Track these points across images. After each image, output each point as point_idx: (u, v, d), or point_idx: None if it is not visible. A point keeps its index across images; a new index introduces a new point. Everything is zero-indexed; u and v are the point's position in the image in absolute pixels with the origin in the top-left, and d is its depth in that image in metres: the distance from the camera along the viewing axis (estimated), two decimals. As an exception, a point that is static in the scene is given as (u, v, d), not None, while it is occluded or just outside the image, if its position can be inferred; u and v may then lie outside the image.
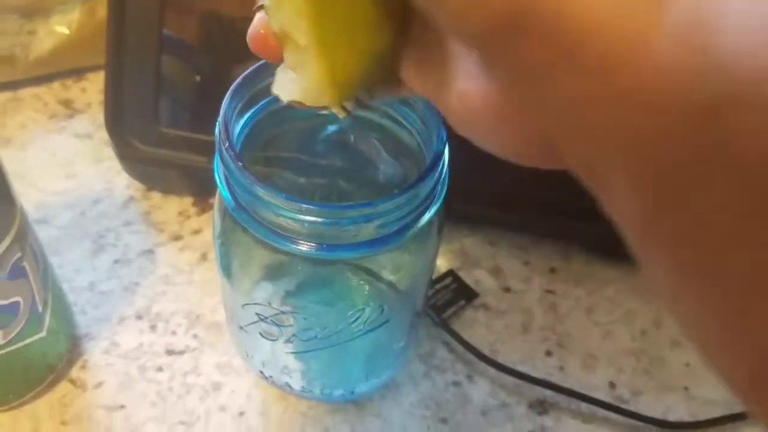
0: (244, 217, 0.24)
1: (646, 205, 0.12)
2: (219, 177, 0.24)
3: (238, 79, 0.24)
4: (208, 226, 0.36)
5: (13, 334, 0.27)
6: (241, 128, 0.26)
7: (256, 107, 0.26)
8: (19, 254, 0.26)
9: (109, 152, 0.38)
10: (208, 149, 0.35)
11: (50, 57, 0.39)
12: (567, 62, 0.12)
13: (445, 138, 0.24)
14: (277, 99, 0.27)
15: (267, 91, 0.26)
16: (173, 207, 0.37)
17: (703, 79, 0.10)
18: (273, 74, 0.26)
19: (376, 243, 0.24)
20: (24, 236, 0.26)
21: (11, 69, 0.39)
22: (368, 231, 0.23)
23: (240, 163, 0.23)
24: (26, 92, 0.40)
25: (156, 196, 0.37)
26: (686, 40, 0.11)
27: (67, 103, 0.40)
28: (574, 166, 0.14)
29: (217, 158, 0.24)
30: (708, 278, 0.12)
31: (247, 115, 0.26)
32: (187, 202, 0.37)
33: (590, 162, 0.13)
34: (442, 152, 0.24)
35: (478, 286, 0.36)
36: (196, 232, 0.36)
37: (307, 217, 0.22)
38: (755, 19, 0.10)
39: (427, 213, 0.24)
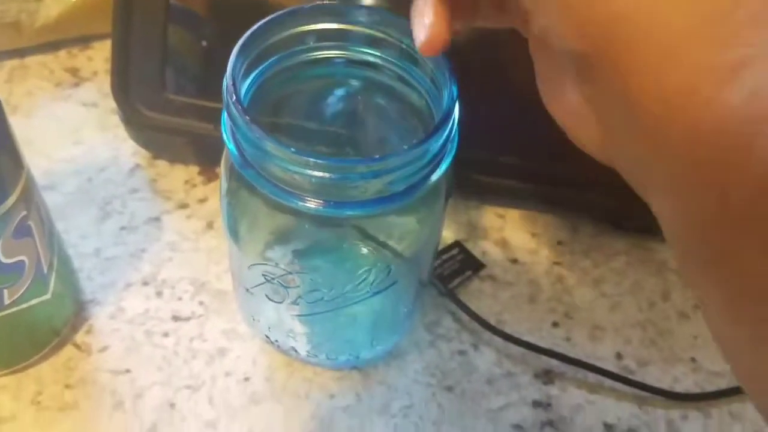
0: (251, 174, 0.24)
1: (687, 233, 0.14)
2: (226, 133, 0.24)
3: (246, 35, 0.24)
4: (214, 195, 0.36)
5: (17, 295, 0.27)
6: (247, 89, 0.25)
7: (262, 66, 0.26)
8: (24, 212, 0.25)
9: (115, 120, 0.38)
10: (214, 116, 0.35)
11: (57, 24, 0.39)
12: (635, 97, 0.14)
13: (455, 95, 0.23)
14: (282, 59, 0.27)
15: (273, 49, 0.26)
16: (179, 175, 0.37)
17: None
18: (278, 32, 0.26)
19: (385, 201, 0.24)
20: (30, 195, 0.26)
21: (17, 36, 0.39)
22: (376, 187, 0.23)
23: (247, 117, 0.22)
24: (32, 60, 0.40)
25: (162, 164, 0.37)
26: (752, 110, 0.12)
27: (73, 71, 0.40)
28: (625, 177, 0.16)
29: (223, 115, 0.24)
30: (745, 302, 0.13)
31: (252, 75, 0.26)
32: (193, 170, 0.37)
33: (642, 181, 0.15)
34: (452, 109, 0.23)
35: (484, 257, 0.35)
36: (202, 200, 0.36)
37: (315, 172, 0.22)
38: None
39: (436, 171, 0.24)
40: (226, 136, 0.24)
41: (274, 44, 0.25)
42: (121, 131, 0.37)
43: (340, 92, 0.29)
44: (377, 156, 0.23)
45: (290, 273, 0.26)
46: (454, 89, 0.23)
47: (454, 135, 0.24)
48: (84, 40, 0.41)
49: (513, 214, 0.37)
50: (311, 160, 0.22)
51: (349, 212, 0.24)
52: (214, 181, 0.37)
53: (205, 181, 0.37)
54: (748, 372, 0.14)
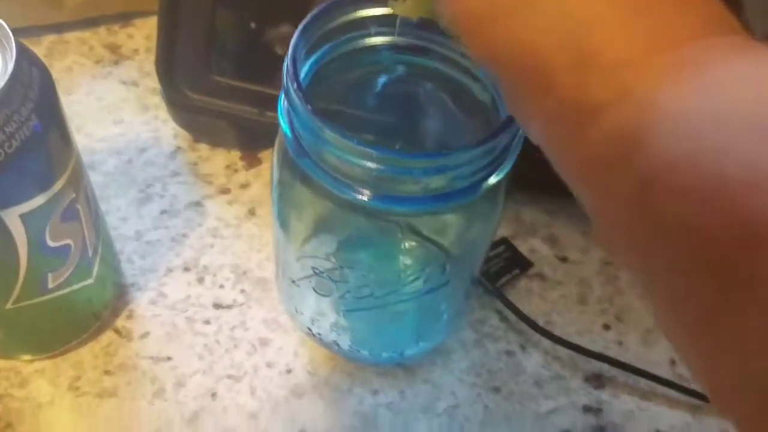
0: (307, 163, 0.23)
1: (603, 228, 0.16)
2: (283, 120, 0.23)
3: (308, 17, 0.23)
4: (256, 180, 0.35)
5: (62, 279, 0.26)
6: (305, 74, 0.24)
7: (321, 51, 0.25)
8: (73, 195, 0.25)
9: (155, 101, 0.37)
10: (259, 100, 0.34)
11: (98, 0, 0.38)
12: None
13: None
14: (340, 44, 0.26)
15: (333, 33, 0.25)
16: (221, 160, 0.36)
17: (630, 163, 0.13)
18: (338, 16, 0.25)
19: (445, 198, 0.22)
20: (79, 177, 0.25)
21: (57, 10, 0.38)
22: (438, 184, 0.22)
23: (309, 106, 0.21)
24: (72, 35, 0.39)
25: (203, 148, 0.36)
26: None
27: (113, 49, 0.39)
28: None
29: (281, 100, 0.23)
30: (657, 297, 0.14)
31: (311, 60, 0.24)
32: (234, 155, 0.36)
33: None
34: (524, 103, 0.22)
35: (533, 255, 0.34)
36: (244, 186, 0.35)
37: (377, 165, 0.21)
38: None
39: (499, 170, 0.23)
40: (283, 123, 0.23)
41: (335, 28, 0.24)
42: (162, 112, 0.36)
43: (396, 80, 0.27)
44: (442, 151, 0.22)
45: (341, 267, 0.26)
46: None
47: (521, 133, 0.23)
48: (124, 17, 0.40)
49: (562, 210, 0.36)
50: (374, 152, 0.21)
51: (407, 208, 0.23)
52: (256, 167, 0.36)
53: (246, 167, 0.36)
54: (702, 372, 0.15)
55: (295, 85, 0.22)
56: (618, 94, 0.14)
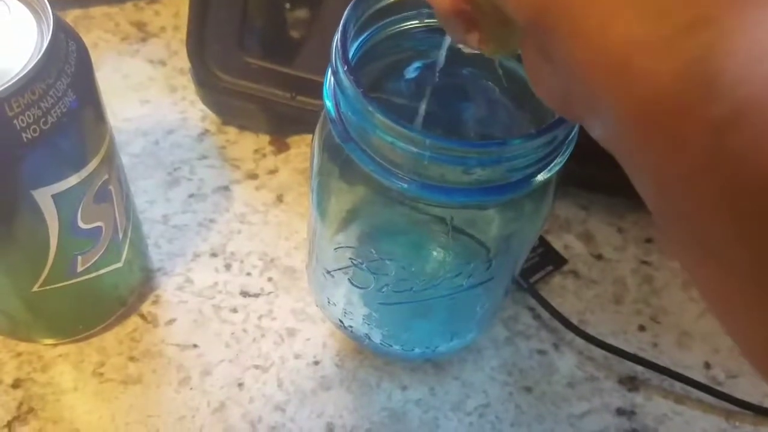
0: (352, 147, 0.22)
1: (656, 192, 0.14)
2: (329, 101, 0.22)
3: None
4: (285, 166, 0.34)
5: (91, 262, 0.26)
6: (353, 54, 0.23)
7: (367, 33, 0.24)
8: (106, 176, 0.24)
9: (183, 81, 0.36)
10: (292, 84, 0.33)
11: (125, -25, 0.37)
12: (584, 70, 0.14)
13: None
14: (386, 25, 0.25)
15: (381, 14, 0.24)
16: (249, 144, 0.35)
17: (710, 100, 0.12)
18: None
19: (495, 191, 0.22)
20: (112, 158, 0.24)
21: (84, -15, 0.37)
22: (491, 175, 0.21)
23: (361, 89, 0.20)
24: (97, 11, 0.38)
25: (232, 131, 0.35)
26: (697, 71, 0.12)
27: (140, 26, 0.38)
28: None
29: (326, 81, 0.22)
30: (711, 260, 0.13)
31: (358, 41, 0.24)
32: (263, 139, 0.35)
33: (607, 143, 0.15)
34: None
35: (567, 251, 0.33)
36: (272, 172, 0.34)
37: (430, 153, 0.20)
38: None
39: (553, 164, 0.22)
40: (329, 104, 0.22)
41: (384, 8, 0.23)
42: (189, 93, 0.35)
43: (442, 65, 0.26)
44: (500, 140, 0.21)
45: (381, 259, 0.25)
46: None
47: (577, 128, 0.22)
48: (151, -7, 0.39)
49: (598, 206, 0.35)
50: (427, 139, 0.20)
51: (455, 199, 0.22)
52: (284, 152, 0.35)
53: (275, 152, 0.35)
54: (745, 336, 0.14)
55: (346, 67, 0.21)
56: (693, 20, 0.12)
